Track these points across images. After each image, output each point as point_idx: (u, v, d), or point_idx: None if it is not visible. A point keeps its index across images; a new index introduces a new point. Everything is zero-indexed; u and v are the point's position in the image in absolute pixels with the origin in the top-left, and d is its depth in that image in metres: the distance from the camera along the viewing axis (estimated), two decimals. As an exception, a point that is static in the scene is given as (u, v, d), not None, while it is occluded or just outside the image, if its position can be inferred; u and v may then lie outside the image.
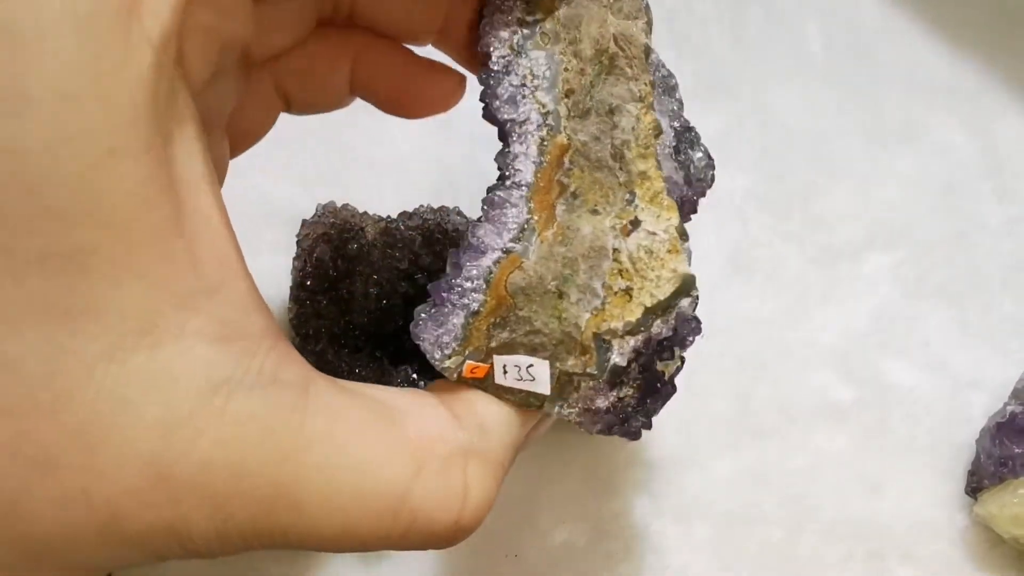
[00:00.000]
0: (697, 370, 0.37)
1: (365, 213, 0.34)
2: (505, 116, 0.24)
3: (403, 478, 0.20)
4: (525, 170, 0.23)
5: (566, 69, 0.24)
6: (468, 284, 0.23)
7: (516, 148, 0.24)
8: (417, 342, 0.23)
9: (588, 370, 0.23)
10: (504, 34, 0.24)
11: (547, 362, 0.23)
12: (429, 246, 0.34)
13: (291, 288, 0.34)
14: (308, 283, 0.33)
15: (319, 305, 0.33)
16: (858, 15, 0.42)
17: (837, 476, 0.35)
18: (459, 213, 0.35)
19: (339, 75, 0.27)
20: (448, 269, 0.24)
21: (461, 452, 0.21)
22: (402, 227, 0.34)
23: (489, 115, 0.24)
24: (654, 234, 0.24)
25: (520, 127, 0.24)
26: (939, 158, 0.40)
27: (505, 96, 0.24)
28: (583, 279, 0.23)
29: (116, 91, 0.17)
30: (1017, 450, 0.32)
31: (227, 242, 0.19)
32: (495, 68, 0.24)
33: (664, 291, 0.24)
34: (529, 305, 0.23)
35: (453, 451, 0.21)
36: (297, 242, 0.34)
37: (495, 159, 0.24)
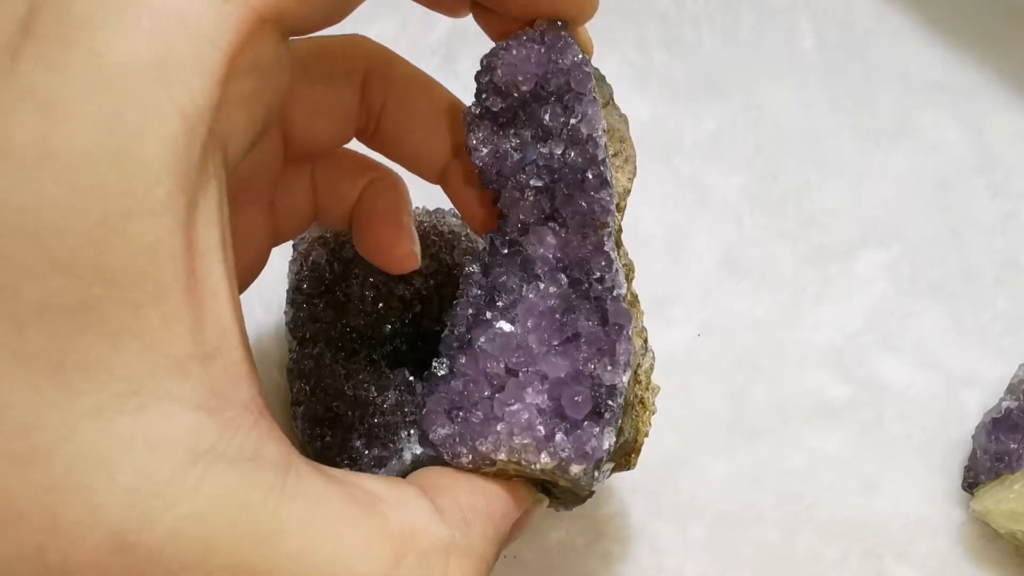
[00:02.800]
0: (692, 371, 0.37)
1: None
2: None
3: (381, 572, 0.20)
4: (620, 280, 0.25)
5: None
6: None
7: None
8: (429, 435, 0.24)
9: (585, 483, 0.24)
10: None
11: None
12: (424, 248, 0.34)
13: (288, 292, 0.34)
14: (304, 287, 0.33)
15: (316, 309, 0.33)
16: (850, 13, 0.42)
17: (833, 475, 0.35)
18: (454, 215, 0.35)
19: (352, 194, 0.29)
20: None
21: (443, 547, 0.21)
22: None
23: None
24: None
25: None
26: (932, 155, 0.40)
27: None
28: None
29: (137, 153, 0.17)
30: (1012, 445, 0.32)
31: (229, 310, 0.19)
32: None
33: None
34: None
35: (434, 545, 0.21)
36: (293, 246, 0.34)
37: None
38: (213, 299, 0.19)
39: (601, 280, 0.24)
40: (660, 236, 0.39)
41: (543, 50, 0.24)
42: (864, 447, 0.36)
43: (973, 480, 0.33)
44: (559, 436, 0.23)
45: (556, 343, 0.24)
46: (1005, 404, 0.33)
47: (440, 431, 0.24)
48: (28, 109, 0.17)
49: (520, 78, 0.24)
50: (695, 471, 0.35)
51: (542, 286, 0.24)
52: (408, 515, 0.21)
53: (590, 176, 0.24)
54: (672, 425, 0.36)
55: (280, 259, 0.35)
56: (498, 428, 0.23)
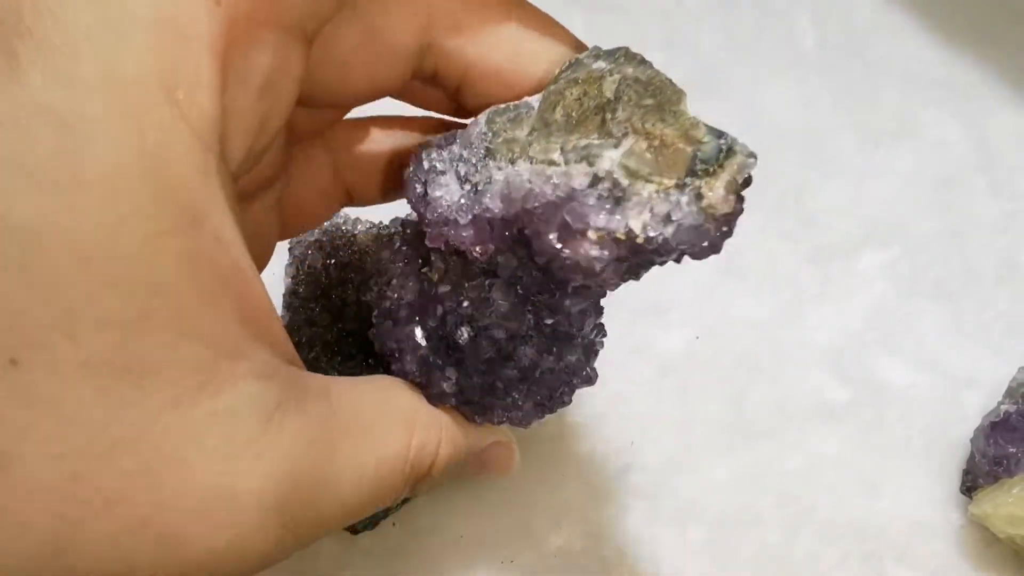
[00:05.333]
0: (691, 372, 0.37)
1: (357, 220, 0.34)
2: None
3: (404, 441, 0.24)
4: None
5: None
6: None
7: None
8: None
9: None
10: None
11: None
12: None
13: (284, 296, 0.34)
14: (300, 291, 0.33)
15: (312, 312, 0.33)
16: (851, 10, 0.42)
17: (832, 477, 0.35)
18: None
19: (380, 161, 0.28)
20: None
21: (436, 421, 0.26)
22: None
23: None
24: None
25: None
26: (933, 154, 0.40)
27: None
28: None
29: (164, 173, 0.19)
30: (1011, 449, 0.32)
31: (262, 293, 0.21)
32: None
33: None
34: None
35: (430, 420, 0.26)
36: (289, 250, 0.34)
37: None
38: (248, 289, 0.21)
39: None
40: (659, 236, 0.39)
41: None
42: (864, 449, 0.35)
43: (971, 484, 0.33)
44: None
45: None
46: (1004, 408, 0.33)
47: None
48: (48, 127, 0.18)
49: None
50: (694, 473, 0.35)
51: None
52: (413, 402, 0.26)
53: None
54: (671, 427, 0.36)
55: (276, 263, 0.35)
56: None
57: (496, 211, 0.23)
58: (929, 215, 0.39)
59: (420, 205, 0.24)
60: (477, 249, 0.24)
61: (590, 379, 0.27)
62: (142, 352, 0.19)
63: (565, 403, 0.27)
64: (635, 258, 0.22)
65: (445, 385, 0.26)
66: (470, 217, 0.23)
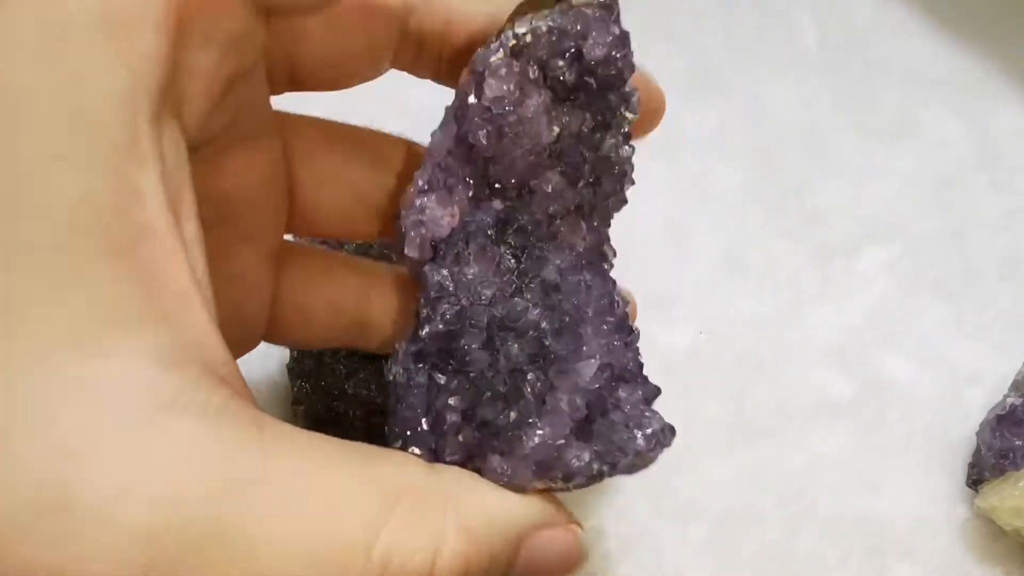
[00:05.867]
0: (693, 370, 0.37)
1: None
2: None
3: (376, 515, 0.18)
4: None
5: None
6: None
7: None
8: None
9: None
10: None
11: None
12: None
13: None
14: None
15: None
16: (852, 8, 0.42)
17: (835, 474, 0.35)
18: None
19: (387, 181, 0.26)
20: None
21: (441, 501, 0.19)
22: None
23: None
24: None
25: None
26: (935, 152, 0.40)
27: None
28: None
29: (79, 99, 0.17)
30: (1017, 442, 0.32)
31: (187, 276, 0.18)
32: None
33: None
34: None
35: (432, 497, 0.19)
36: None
37: None
38: (167, 262, 0.17)
39: None
40: (660, 234, 0.39)
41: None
42: (866, 445, 0.35)
43: (977, 477, 0.33)
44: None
45: None
46: (1010, 401, 0.33)
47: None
48: None
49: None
50: (696, 471, 0.35)
51: None
52: (403, 468, 0.19)
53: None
54: (673, 424, 0.36)
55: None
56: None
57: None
58: (930, 213, 0.39)
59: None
60: (445, 219, 0.22)
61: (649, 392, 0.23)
62: (15, 289, 0.16)
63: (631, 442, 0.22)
64: None
65: (450, 415, 0.21)
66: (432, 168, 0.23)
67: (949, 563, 0.33)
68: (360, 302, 0.26)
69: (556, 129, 0.22)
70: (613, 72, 0.23)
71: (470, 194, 0.23)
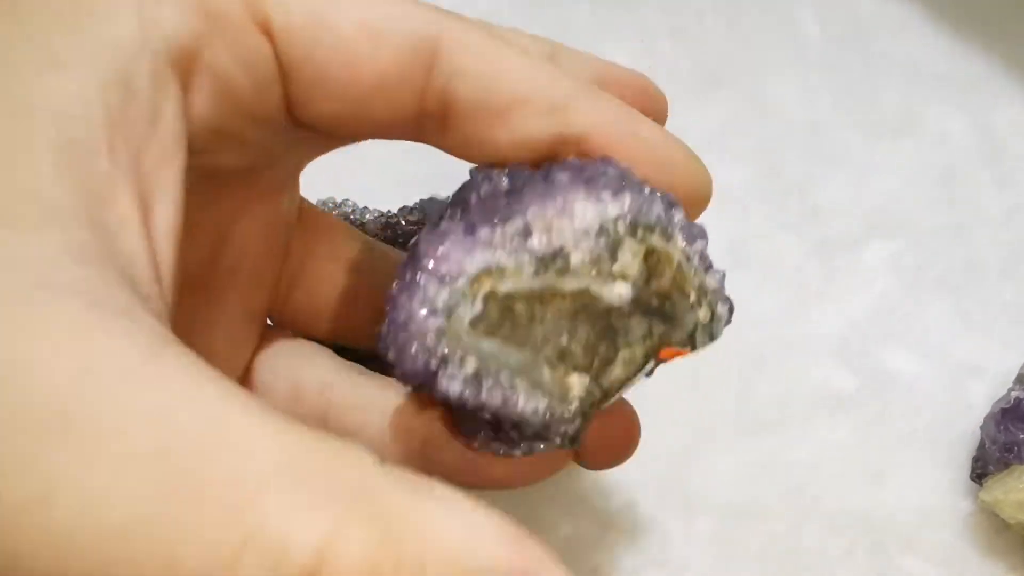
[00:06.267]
0: (697, 364, 0.37)
1: (365, 208, 0.34)
2: None
3: (258, 471, 0.14)
4: None
5: None
6: None
7: None
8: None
9: None
10: None
11: None
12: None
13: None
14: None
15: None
16: (855, 4, 0.42)
17: (839, 467, 0.35)
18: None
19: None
20: None
21: (364, 485, 0.15)
22: (403, 222, 0.34)
23: None
24: None
25: None
26: (938, 147, 0.40)
27: None
28: None
29: (97, 24, 0.18)
30: (1022, 436, 0.32)
31: (132, 206, 0.17)
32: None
33: None
34: None
35: (352, 476, 0.15)
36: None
37: None
38: (119, 191, 0.17)
39: None
40: (664, 229, 0.39)
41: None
42: (870, 439, 0.35)
43: (982, 471, 0.33)
44: None
45: None
46: (1014, 394, 0.33)
47: None
48: None
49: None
50: (701, 464, 0.35)
51: None
52: (328, 443, 0.15)
53: None
54: (678, 418, 0.36)
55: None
56: None
57: None
58: (933, 209, 0.39)
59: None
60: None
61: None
62: None
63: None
64: None
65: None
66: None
67: (953, 556, 0.33)
68: (324, 392, 0.25)
69: None
70: None
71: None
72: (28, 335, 0.14)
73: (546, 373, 0.21)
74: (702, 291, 0.23)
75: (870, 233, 0.39)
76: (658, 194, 0.22)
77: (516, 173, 0.22)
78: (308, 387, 0.25)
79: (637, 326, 0.22)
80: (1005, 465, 0.32)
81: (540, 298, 0.21)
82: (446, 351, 0.20)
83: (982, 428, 0.34)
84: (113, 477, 0.14)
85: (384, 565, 0.14)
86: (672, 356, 0.23)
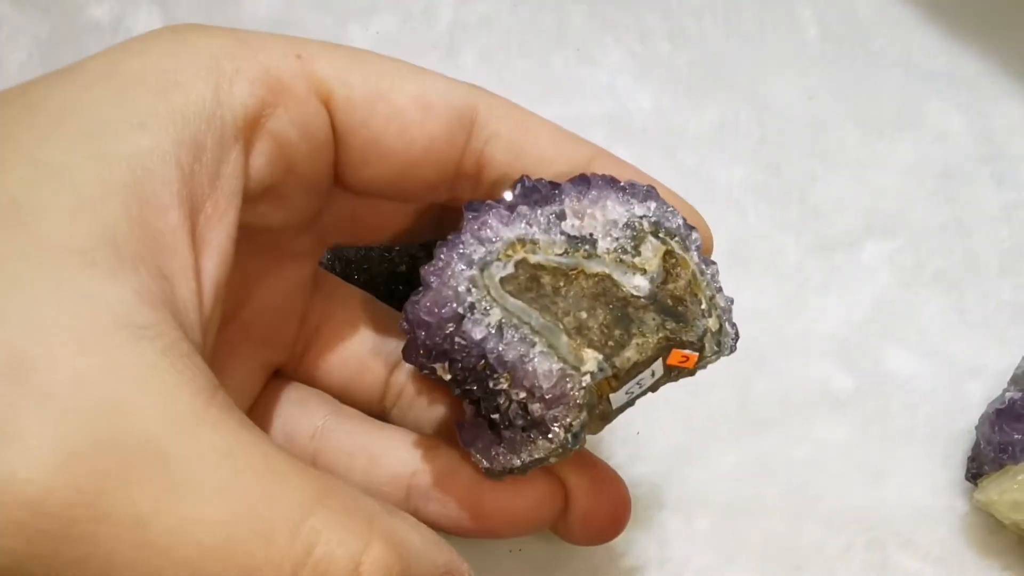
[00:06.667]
0: (697, 361, 0.37)
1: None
2: None
3: (308, 499, 0.18)
4: None
5: None
6: None
7: None
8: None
9: None
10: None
11: None
12: (427, 250, 0.33)
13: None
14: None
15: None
16: (853, 2, 0.42)
17: (838, 466, 0.35)
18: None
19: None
20: None
21: (370, 510, 0.20)
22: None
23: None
24: None
25: None
26: (936, 145, 0.40)
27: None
28: None
29: (178, 93, 0.20)
30: (1016, 436, 0.32)
31: (193, 263, 0.20)
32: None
33: None
34: None
35: (362, 504, 0.20)
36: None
37: None
38: (181, 245, 0.19)
39: None
40: (663, 228, 0.39)
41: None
42: (869, 437, 0.36)
43: (977, 471, 0.33)
44: None
45: None
46: (1009, 395, 0.33)
47: None
48: None
49: None
50: (700, 462, 0.35)
51: None
52: (335, 480, 0.20)
53: None
54: (677, 417, 0.36)
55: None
56: None
57: None
58: (932, 206, 0.39)
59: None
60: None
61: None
62: (46, 194, 0.18)
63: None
64: None
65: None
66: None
67: (949, 555, 0.34)
68: (315, 437, 0.27)
69: None
70: None
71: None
72: (118, 376, 0.17)
73: (563, 340, 0.22)
74: (713, 303, 0.24)
75: (869, 232, 0.39)
76: (680, 214, 0.25)
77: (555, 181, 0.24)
78: (300, 431, 0.27)
79: (651, 320, 0.23)
80: (1000, 466, 0.32)
81: (566, 275, 0.23)
82: (475, 299, 0.22)
83: (977, 428, 0.34)
84: (201, 507, 0.17)
85: (395, 569, 0.19)
86: (679, 363, 0.24)
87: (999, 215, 0.39)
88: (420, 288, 0.23)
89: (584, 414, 0.23)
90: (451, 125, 0.23)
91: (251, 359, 0.26)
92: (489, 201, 0.23)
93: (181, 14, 0.41)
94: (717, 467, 0.35)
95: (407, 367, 0.27)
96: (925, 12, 0.42)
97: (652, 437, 0.36)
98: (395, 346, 0.27)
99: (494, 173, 0.24)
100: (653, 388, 0.24)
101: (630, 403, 0.24)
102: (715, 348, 0.24)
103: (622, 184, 0.24)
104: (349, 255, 0.33)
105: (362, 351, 0.28)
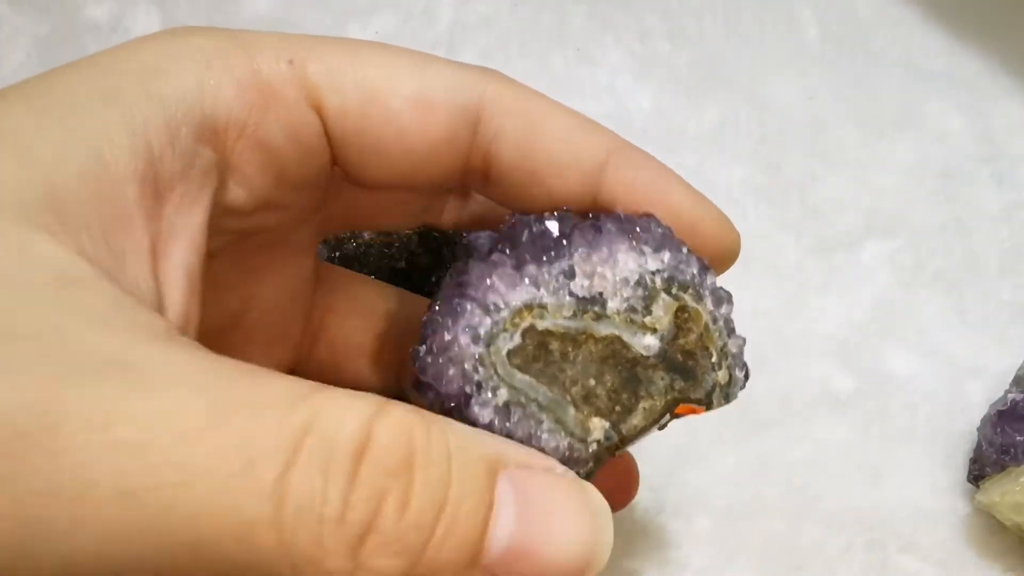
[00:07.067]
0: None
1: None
2: None
3: (303, 385, 0.17)
4: None
5: None
6: None
7: None
8: None
9: None
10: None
11: None
12: (425, 245, 0.34)
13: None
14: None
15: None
16: (853, 1, 0.42)
17: (838, 466, 0.35)
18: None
19: None
20: None
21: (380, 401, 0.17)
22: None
23: None
24: None
25: None
26: (936, 145, 0.40)
27: None
28: None
29: (165, 83, 0.20)
30: (1018, 438, 0.32)
31: (181, 274, 0.20)
32: None
33: None
34: None
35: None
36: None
37: None
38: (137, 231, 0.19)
39: None
40: (663, 228, 0.39)
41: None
42: (869, 438, 0.36)
43: (979, 472, 0.33)
44: None
45: None
46: (1011, 396, 0.33)
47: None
48: None
49: None
50: (701, 463, 0.35)
51: None
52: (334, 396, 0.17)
53: None
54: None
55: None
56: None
57: None
58: (932, 205, 0.39)
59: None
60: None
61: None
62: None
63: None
64: None
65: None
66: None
67: (950, 557, 0.33)
68: None
69: None
70: None
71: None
72: (58, 312, 0.16)
73: (570, 413, 0.22)
74: (724, 354, 0.24)
75: (869, 232, 0.39)
76: (694, 256, 0.24)
77: (565, 218, 0.23)
78: None
79: (660, 379, 0.23)
80: (1001, 467, 0.32)
81: (574, 339, 0.22)
82: (482, 378, 0.21)
83: (979, 430, 0.34)
84: (174, 396, 0.16)
85: (419, 435, 0.17)
86: (687, 412, 0.24)
87: (999, 215, 0.39)
88: (424, 340, 0.22)
89: (592, 464, 0.23)
90: (453, 125, 0.22)
91: (262, 362, 0.25)
92: (490, 234, 0.22)
93: (180, 13, 0.41)
94: (717, 468, 0.35)
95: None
96: (925, 12, 0.42)
97: (652, 438, 0.36)
98: (402, 326, 0.27)
99: (503, 173, 0.23)
100: (661, 427, 0.24)
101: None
102: (722, 400, 0.24)
103: (637, 227, 0.23)
104: (349, 251, 0.33)
105: (369, 337, 0.27)
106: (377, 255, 0.33)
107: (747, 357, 0.36)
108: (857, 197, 0.40)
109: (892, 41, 0.42)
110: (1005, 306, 0.38)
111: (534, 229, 0.22)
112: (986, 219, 0.39)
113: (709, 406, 0.24)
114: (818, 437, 0.36)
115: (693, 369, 0.23)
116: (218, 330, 0.24)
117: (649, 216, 0.23)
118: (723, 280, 0.38)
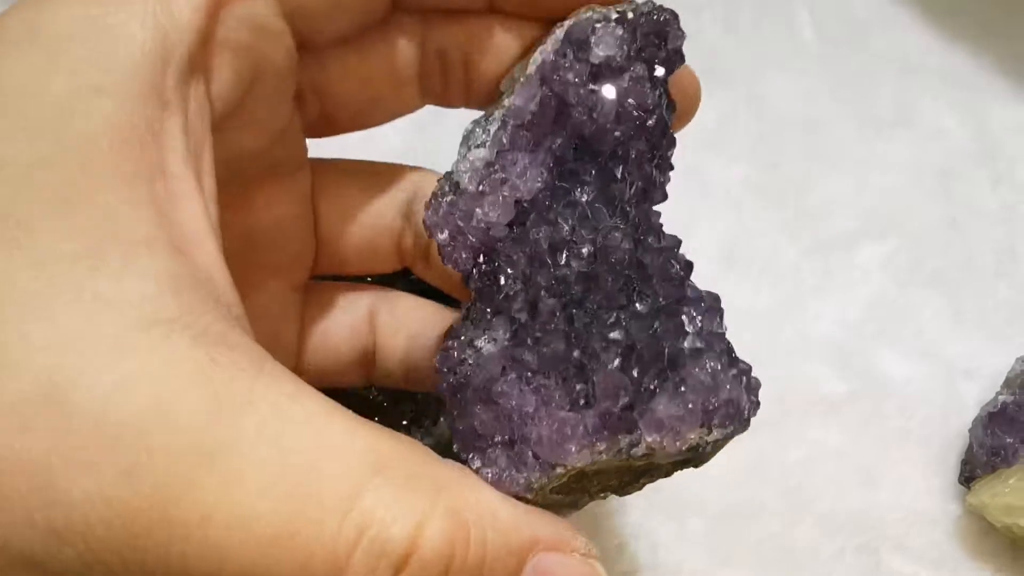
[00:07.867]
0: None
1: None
2: None
3: (362, 473, 0.18)
4: None
5: None
6: None
7: None
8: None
9: None
10: None
11: None
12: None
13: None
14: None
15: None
16: (850, 2, 0.42)
17: (832, 468, 0.35)
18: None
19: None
20: None
21: (437, 479, 0.19)
22: None
23: None
24: None
25: None
26: (932, 145, 0.40)
27: None
28: None
29: (112, 43, 0.18)
30: (1009, 440, 0.32)
31: (203, 223, 0.19)
32: None
33: None
34: None
35: (427, 472, 0.19)
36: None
37: None
38: (183, 199, 0.18)
39: None
40: (659, 229, 0.39)
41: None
42: (863, 440, 0.36)
43: (970, 474, 0.33)
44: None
45: None
46: (1001, 398, 0.33)
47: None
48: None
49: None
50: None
51: None
52: (401, 443, 0.19)
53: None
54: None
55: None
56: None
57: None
58: (928, 206, 0.39)
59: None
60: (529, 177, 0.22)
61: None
62: (28, 202, 0.17)
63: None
64: None
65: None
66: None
67: (942, 558, 0.33)
68: (371, 321, 0.27)
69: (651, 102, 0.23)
70: (677, 66, 0.24)
71: (551, 164, 0.22)
72: (155, 378, 0.17)
73: (585, 499, 0.23)
74: (726, 439, 0.23)
75: (865, 232, 0.39)
76: (740, 364, 0.23)
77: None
78: (347, 326, 0.27)
79: (669, 467, 0.23)
80: (992, 469, 0.32)
81: (609, 465, 0.21)
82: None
83: (971, 432, 0.34)
84: (255, 499, 0.17)
85: (459, 544, 0.18)
86: None
87: (995, 215, 0.39)
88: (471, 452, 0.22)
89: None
90: None
91: (279, 285, 0.26)
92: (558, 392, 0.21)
93: None
94: (710, 470, 0.35)
95: (419, 228, 0.26)
96: (921, 12, 0.42)
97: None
98: (399, 205, 0.26)
99: None
100: (667, 474, 0.23)
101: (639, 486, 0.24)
102: (716, 453, 0.24)
103: (709, 407, 0.22)
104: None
105: (372, 225, 0.27)
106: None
107: (742, 357, 0.36)
108: (853, 197, 0.39)
109: (889, 41, 0.42)
110: (1001, 307, 0.38)
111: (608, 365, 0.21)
112: (982, 219, 0.39)
113: (703, 460, 0.23)
114: (812, 439, 0.36)
115: (698, 460, 0.23)
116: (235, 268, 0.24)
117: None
118: (721, 283, 0.38)
